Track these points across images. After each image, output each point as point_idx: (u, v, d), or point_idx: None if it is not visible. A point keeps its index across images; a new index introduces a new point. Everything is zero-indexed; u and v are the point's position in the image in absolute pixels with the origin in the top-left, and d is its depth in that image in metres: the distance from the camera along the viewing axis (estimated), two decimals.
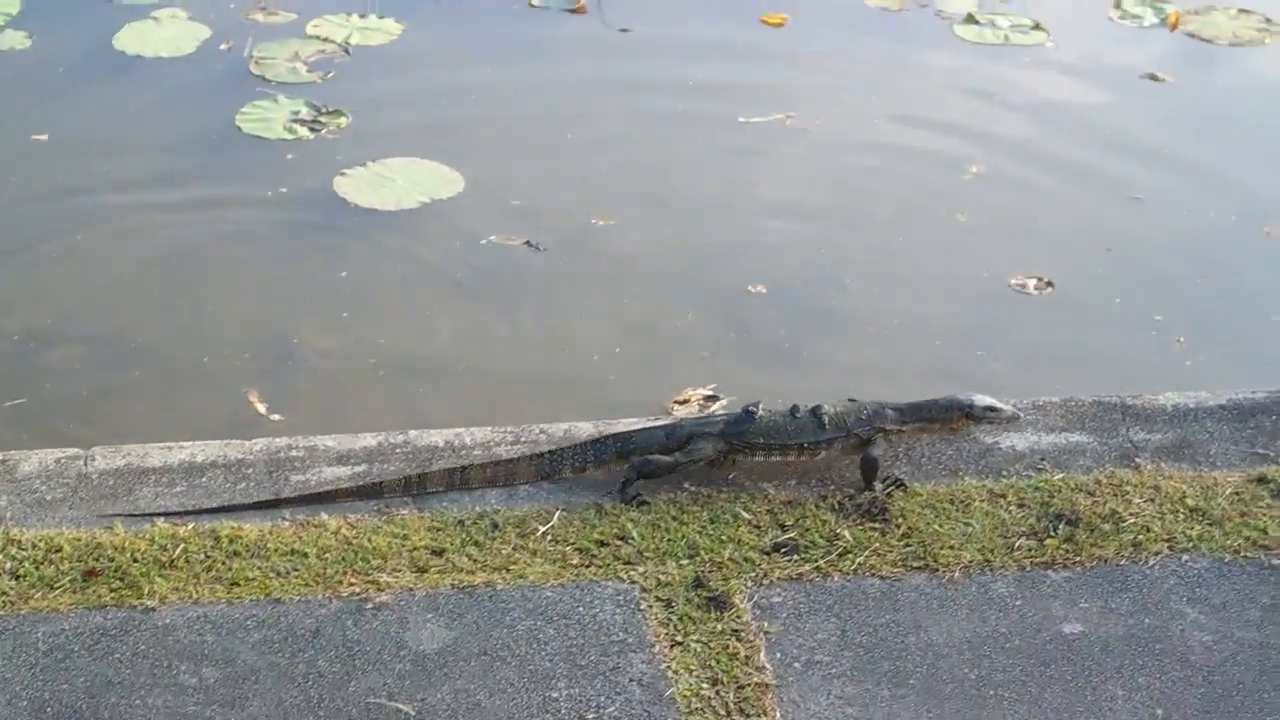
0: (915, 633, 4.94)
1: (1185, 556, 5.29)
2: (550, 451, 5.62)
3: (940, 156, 9.06)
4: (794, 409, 5.67)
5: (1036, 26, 10.56)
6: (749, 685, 4.72)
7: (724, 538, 5.27)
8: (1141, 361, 7.26)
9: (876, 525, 5.35)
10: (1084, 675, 4.82)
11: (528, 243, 8.02)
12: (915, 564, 5.21)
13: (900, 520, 5.36)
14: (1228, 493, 5.57)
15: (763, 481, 5.54)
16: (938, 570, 5.18)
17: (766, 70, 9.95)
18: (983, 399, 5.80)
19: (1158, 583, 5.17)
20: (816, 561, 5.18)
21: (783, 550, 5.23)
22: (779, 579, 5.12)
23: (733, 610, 4.98)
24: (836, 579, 5.13)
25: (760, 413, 5.64)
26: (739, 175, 8.85)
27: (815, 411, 5.67)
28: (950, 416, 5.79)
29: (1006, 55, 10.29)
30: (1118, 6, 10.86)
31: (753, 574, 5.13)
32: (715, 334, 7.45)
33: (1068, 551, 5.27)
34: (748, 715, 4.63)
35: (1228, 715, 4.71)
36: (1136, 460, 5.70)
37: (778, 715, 4.64)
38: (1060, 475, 5.62)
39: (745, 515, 5.37)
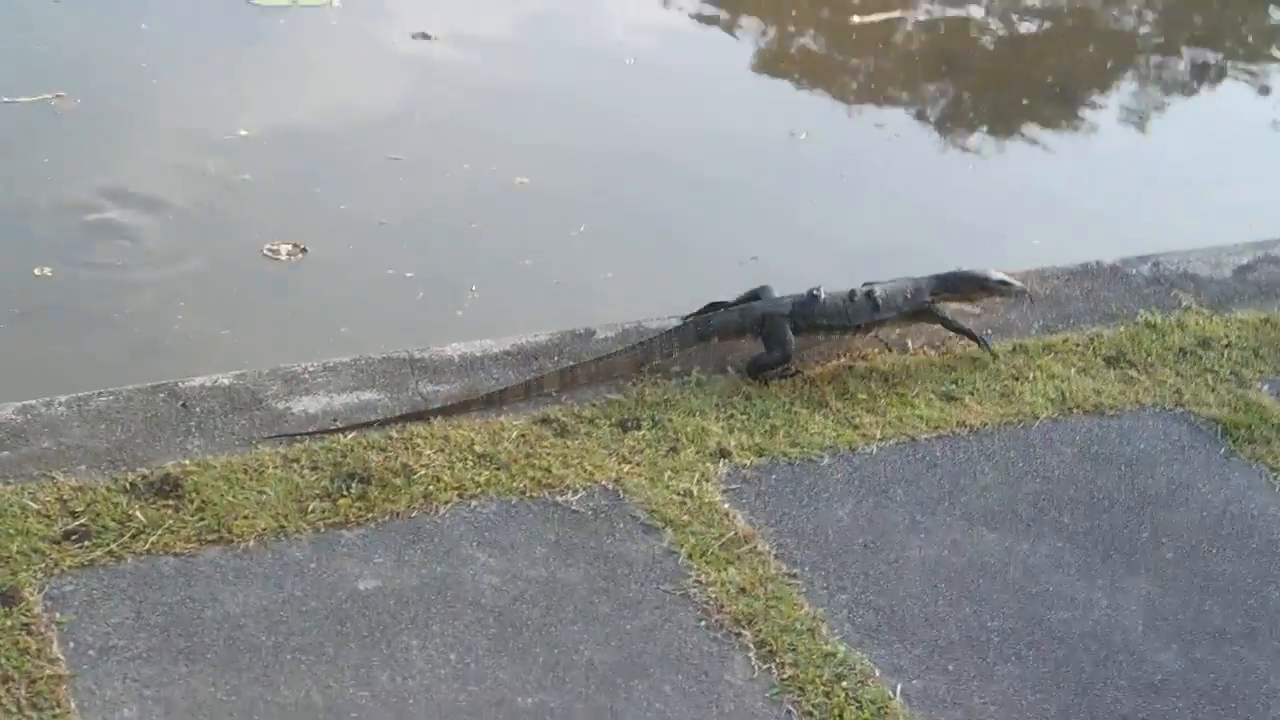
0: (212, 606, 4.93)
1: (475, 502, 5.46)
2: (641, 343, 6.12)
3: (216, 122, 9.03)
4: (851, 293, 6.24)
5: None
6: (41, 679, 4.61)
7: (11, 531, 5.10)
8: (428, 318, 7.41)
9: (170, 503, 5.30)
10: (380, 629, 4.92)
11: None
12: (210, 537, 5.18)
13: (194, 495, 5.33)
14: (514, 436, 5.77)
15: (52, 469, 5.40)
16: (233, 541, 5.17)
17: (39, 46, 9.65)
18: (996, 273, 6.42)
19: (448, 531, 5.32)
20: (109, 546, 5.09)
21: (74, 537, 5.11)
22: (70, 567, 5.00)
23: (22, 604, 4.84)
24: (130, 561, 5.06)
25: (822, 296, 6.15)
26: (14, 160, 8.55)
27: (869, 294, 6.23)
28: (970, 289, 6.38)
29: (295, 18, 10.34)
30: None
31: (42, 565, 4.99)
32: None
33: (361, 509, 5.35)
34: (41, 710, 4.52)
35: (517, 651, 4.90)
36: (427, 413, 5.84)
37: (73, 705, 4.55)
38: (353, 434, 5.69)
39: (33, 505, 5.22)
